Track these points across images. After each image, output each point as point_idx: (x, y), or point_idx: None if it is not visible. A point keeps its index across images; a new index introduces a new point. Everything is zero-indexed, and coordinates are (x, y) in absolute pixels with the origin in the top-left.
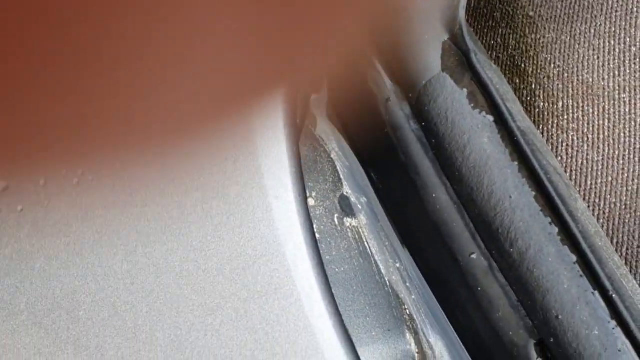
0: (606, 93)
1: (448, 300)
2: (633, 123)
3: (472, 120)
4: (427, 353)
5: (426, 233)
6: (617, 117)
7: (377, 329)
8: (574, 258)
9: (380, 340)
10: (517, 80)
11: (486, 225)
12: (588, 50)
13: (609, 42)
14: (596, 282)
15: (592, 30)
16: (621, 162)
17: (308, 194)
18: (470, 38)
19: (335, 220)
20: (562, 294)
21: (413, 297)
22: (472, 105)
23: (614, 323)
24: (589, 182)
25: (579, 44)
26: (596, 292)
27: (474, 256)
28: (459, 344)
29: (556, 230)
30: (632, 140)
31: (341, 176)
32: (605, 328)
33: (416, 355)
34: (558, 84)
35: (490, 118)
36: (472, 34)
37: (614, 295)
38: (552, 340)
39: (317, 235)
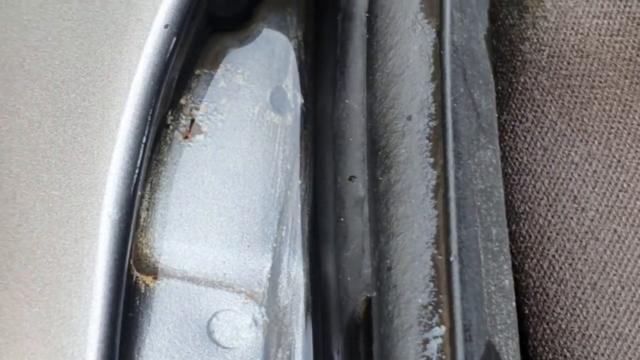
0: None
1: (321, 231)
2: None
3: (413, 22)
4: (281, 284)
5: (325, 145)
6: None
7: (236, 235)
8: (436, 212)
9: (232, 248)
10: None
11: (372, 144)
12: None
13: None
14: (446, 242)
15: None
16: None
17: (240, 71)
18: None
19: (256, 109)
20: (406, 244)
21: (298, 220)
22: (422, 6)
23: (442, 296)
24: None
25: None
26: (442, 256)
27: (353, 180)
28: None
29: (435, 173)
30: None
31: (290, 67)
32: (430, 299)
33: (266, 281)
34: None
35: (434, 27)
36: None
37: (454, 262)
38: (375, 294)
39: (222, 115)
